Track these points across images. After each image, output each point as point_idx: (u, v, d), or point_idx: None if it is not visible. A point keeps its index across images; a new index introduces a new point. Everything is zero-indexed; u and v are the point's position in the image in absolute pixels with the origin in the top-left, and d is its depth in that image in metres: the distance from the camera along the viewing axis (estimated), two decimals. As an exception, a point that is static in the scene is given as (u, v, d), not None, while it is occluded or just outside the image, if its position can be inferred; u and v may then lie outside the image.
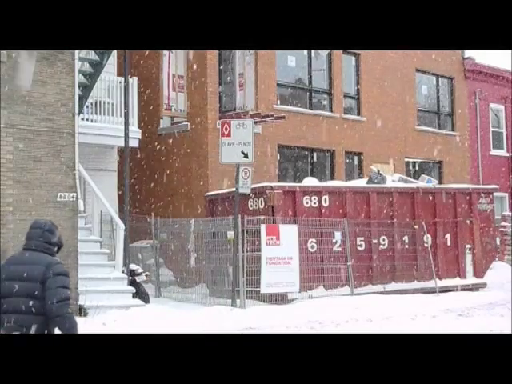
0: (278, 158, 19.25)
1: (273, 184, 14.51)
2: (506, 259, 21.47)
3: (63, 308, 4.46)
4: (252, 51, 18.56)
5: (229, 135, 13.03)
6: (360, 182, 17.13)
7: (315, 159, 20.50)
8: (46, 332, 4.45)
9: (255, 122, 15.19)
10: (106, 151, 15.95)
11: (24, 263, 4.59)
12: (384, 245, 15.32)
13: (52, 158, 11.52)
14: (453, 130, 24.60)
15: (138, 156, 18.01)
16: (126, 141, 13.55)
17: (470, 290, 16.22)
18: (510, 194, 25.92)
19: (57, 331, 4.50)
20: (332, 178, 19.97)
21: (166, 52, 17.94)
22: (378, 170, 16.92)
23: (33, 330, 4.37)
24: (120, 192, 15.49)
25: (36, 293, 4.44)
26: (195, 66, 18.08)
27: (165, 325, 10.50)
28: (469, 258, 16.72)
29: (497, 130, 26.70)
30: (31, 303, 4.43)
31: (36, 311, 4.41)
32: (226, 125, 13.14)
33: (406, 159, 22.84)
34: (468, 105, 25.15)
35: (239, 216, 13.01)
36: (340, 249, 14.50)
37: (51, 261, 4.64)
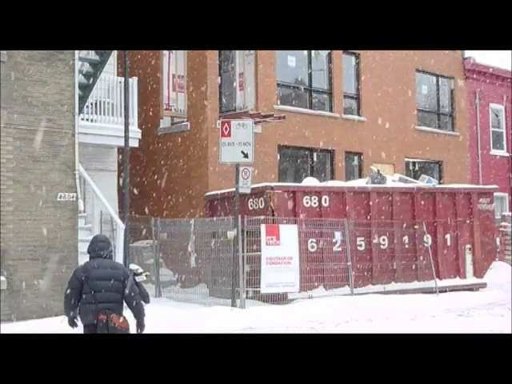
0: (278, 158, 19.25)
1: (273, 184, 14.50)
2: (506, 259, 21.47)
3: (138, 298, 6.52)
4: (252, 51, 18.56)
5: (229, 135, 13.02)
6: (360, 182, 17.12)
7: (315, 159, 20.50)
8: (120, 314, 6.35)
9: (255, 122, 15.18)
10: (106, 151, 15.95)
11: (106, 267, 6.46)
12: (384, 245, 15.31)
13: (52, 158, 11.53)
14: (453, 130, 24.60)
15: (138, 156, 18.01)
16: (126, 141, 13.55)
17: (470, 290, 16.22)
18: (510, 194, 25.92)
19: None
20: (332, 178, 19.97)
21: (165, 52, 17.93)
22: (378, 170, 16.92)
23: (117, 313, 6.29)
24: (120, 192, 15.49)
25: (120, 288, 6.37)
26: (195, 66, 18.08)
27: (165, 325, 10.50)
28: (469, 258, 16.72)
29: (497, 129, 26.69)
30: (118, 296, 6.36)
31: (120, 301, 6.38)
32: (225, 125, 13.13)
33: (406, 159, 22.84)
34: (468, 105, 25.15)
35: (239, 216, 13.01)
36: (340, 249, 14.49)
37: (122, 266, 6.89)
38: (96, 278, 6.36)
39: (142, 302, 6.57)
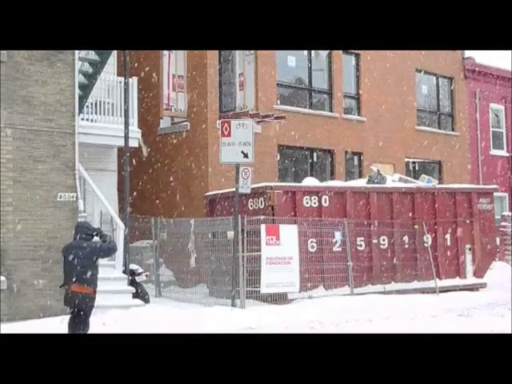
0: (278, 158, 19.24)
1: (273, 184, 14.50)
2: (506, 259, 21.47)
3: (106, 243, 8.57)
4: (252, 51, 18.56)
5: (229, 135, 13.01)
6: (360, 182, 17.11)
7: (315, 159, 20.50)
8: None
9: (255, 122, 15.17)
10: (106, 151, 15.95)
11: (79, 247, 8.33)
12: (384, 245, 15.31)
13: (52, 158, 11.53)
14: (453, 130, 24.60)
15: (138, 156, 18.01)
16: (126, 141, 13.54)
17: (470, 290, 16.21)
18: (510, 194, 25.91)
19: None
20: (332, 178, 19.97)
21: (165, 52, 17.94)
22: (378, 170, 16.91)
23: (80, 282, 8.10)
24: (120, 192, 15.49)
25: (86, 262, 8.20)
26: (195, 66, 18.08)
27: (165, 325, 10.50)
28: (469, 257, 16.71)
29: (497, 129, 26.69)
30: (84, 269, 8.14)
31: (84, 272, 8.15)
32: (225, 125, 13.12)
33: (406, 159, 22.84)
34: (468, 105, 25.15)
35: (239, 216, 13.01)
36: (340, 249, 14.49)
37: (92, 244, 8.47)
38: (69, 254, 8.27)
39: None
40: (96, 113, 14.87)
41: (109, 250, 8.66)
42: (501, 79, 26.26)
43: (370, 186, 15.91)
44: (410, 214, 15.79)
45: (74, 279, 8.11)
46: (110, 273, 12.34)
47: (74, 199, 11.72)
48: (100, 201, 13.10)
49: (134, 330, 9.36)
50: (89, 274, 8.21)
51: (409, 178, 18.91)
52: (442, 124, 24.58)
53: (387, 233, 15.33)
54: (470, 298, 14.86)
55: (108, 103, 15.03)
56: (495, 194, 18.14)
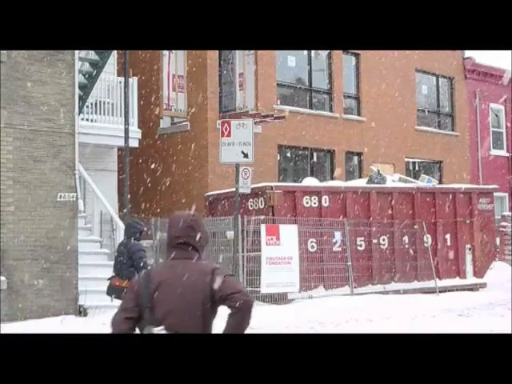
0: (278, 158, 19.25)
1: (273, 184, 14.51)
2: (506, 259, 21.47)
3: (138, 262, 9.46)
4: (252, 51, 18.56)
5: (229, 135, 13.02)
6: (360, 182, 17.12)
7: (315, 159, 20.49)
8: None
9: (255, 122, 15.18)
10: (106, 151, 15.95)
11: (123, 245, 9.78)
12: (384, 245, 15.32)
13: (52, 158, 11.53)
14: (453, 130, 24.60)
15: (138, 156, 18.01)
16: (126, 141, 13.55)
17: (470, 290, 16.22)
18: (510, 194, 25.91)
19: None
20: (332, 178, 19.97)
21: (165, 52, 17.94)
22: (378, 170, 16.93)
23: (120, 276, 9.54)
24: (120, 192, 15.49)
25: (127, 259, 9.56)
26: (195, 66, 18.09)
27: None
28: (469, 257, 16.72)
29: (497, 129, 26.69)
30: (124, 265, 9.55)
31: (125, 268, 9.48)
32: (225, 125, 13.13)
33: (406, 159, 22.84)
34: (468, 105, 25.14)
35: (239, 216, 13.01)
36: (340, 249, 14.49)
37: (132, 245, 9.58)
38: (117, 251, 9.80)
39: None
40: (96, 113, 14.88)
41: (138, 267, 9.33)
42: (501, 79, 26.24)
43: (369, 186, 15.92)
44: (410, 214, 15.80)
45: (115, 274, 9.54)
46: (110, 273, 12.33)
47: (74, 199, 11.72)
48: (100, 201, 13.10)
49: (133, 329, 9.34)
50: (128, 269, 9.34)
51: (409, 178, 18.92)
52: (442, 124, 24.58)
53: (387, 233, 15.34)
54: (470, 298, 14.86)
55: (108, 103, 15.04)
56: (495, 193, 18.15)
